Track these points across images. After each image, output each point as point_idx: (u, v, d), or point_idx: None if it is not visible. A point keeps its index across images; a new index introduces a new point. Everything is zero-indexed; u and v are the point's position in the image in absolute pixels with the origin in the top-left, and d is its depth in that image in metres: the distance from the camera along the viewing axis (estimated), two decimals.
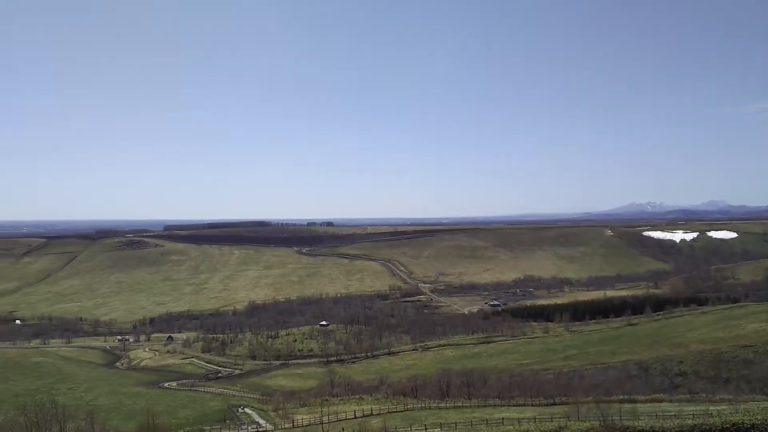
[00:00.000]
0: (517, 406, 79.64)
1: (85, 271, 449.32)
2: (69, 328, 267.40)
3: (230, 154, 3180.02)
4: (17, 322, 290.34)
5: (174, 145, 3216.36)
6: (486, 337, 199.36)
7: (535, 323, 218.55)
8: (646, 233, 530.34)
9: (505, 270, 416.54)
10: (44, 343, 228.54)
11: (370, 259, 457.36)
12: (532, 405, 79.39)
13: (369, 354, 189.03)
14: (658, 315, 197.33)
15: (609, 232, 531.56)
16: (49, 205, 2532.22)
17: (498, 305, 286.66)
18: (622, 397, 76.03)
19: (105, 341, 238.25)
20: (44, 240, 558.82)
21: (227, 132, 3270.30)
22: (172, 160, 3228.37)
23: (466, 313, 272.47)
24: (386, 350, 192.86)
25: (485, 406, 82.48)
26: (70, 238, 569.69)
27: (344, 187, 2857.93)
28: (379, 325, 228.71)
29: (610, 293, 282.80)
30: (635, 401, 70.41)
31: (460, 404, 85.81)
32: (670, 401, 73.15)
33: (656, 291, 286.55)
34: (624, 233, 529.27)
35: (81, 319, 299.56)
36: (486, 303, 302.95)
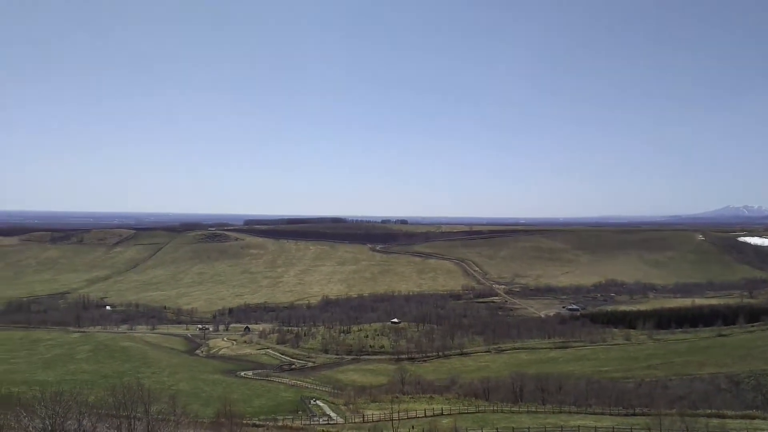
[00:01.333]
0: (595, 414, 76.70)
1: (170, 262, 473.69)
2: (154, 315, 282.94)
3: (307, 153, 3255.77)
4: (107, 308, 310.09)
5: (256, 145, 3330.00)
6: (563, 341, 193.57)
7: (615, 330, 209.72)
8: (741, 239, 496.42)
9: (584, 273, 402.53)
10: (131, 329, 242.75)
11: (443, 258, 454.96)
12: (611, 414, 76.17)
13: (440, 353, 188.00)
14: (753, 326, 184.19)
15: (700, 237, 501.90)
16: (139, 198, 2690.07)
17: (576, 309, 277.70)
18: (709, 411, 71.50)
19: (186, 329, 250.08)
20: (133, 231, 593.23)
21: (306, 133, 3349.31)
22: (253, 159, 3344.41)
23: (543, 316, 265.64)
24: (458, 350, 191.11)
25: (560, 412, 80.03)
26: (157, 230, 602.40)
27: (419, 186, 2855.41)
28: (451, 325, 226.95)
29: (699, 301, 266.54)
30: (724, 416, 65.94)
31: (533, 409, 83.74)
32: (764, 419, 68.01)
33: (751, 300, 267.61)
34: (717, 238, 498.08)
35: (165, 307, 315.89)
36: (564, 307, 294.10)
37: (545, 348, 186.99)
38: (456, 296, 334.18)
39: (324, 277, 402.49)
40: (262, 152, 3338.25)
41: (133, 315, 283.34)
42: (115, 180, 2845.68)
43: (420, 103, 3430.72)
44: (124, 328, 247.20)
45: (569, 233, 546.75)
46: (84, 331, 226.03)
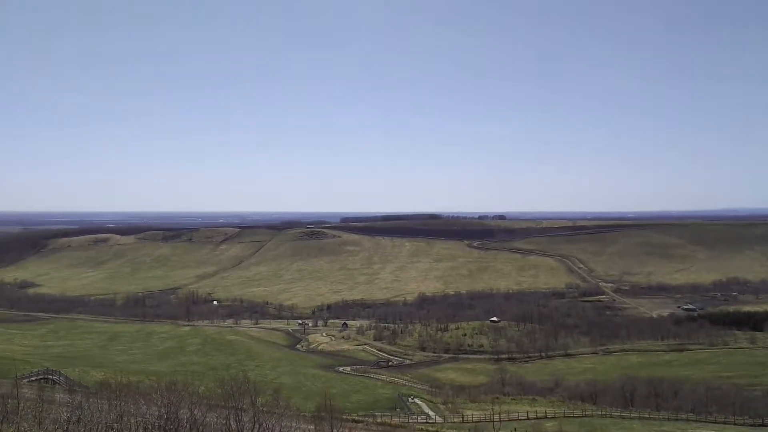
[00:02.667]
0: (716, 423, 71.45)
1: (272, 259, 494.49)
2: (257, 311, 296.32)
3: (402, 149, 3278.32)
4: (214, 302, 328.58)
5: (353, 144, 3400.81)
6: (678, 344, 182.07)
7: (738, 332, 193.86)
8: None
9: (701, 271, 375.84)
10: (236, 323, 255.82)
11: (544, 255, 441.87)
12: (735, 424, 70.68)
13: (543, 354, 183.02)
14: None
15: None
16: (243, 198, 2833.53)
17: (693, 310, 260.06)
18: None
19: (287, 324, 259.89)
20: (238, 230, 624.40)
21: (402, 129, 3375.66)
22: (350, 157, 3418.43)
23: (655, 316, 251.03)
24: (562, 351, 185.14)
25: (676, 419, 75.24)
26: (260, 228, 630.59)
27: (517, 179, 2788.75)
28: (554, 325, 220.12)
29: None
30: None
31: (646, 415, 79.28)
32: None
33: None
34: None
35: (267, 302, 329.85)
36: (679, 307, 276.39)
37: (658, 350, 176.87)
38: (559, 294, 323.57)
39: (420, 274, 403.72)
40: (358, 151, 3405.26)
41: (238, 310, 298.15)
42: (221, 182, 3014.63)
43: (518, 94, 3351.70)
44: (229, 322, 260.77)
45: (684, 227, 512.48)
46: (193, 325, 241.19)
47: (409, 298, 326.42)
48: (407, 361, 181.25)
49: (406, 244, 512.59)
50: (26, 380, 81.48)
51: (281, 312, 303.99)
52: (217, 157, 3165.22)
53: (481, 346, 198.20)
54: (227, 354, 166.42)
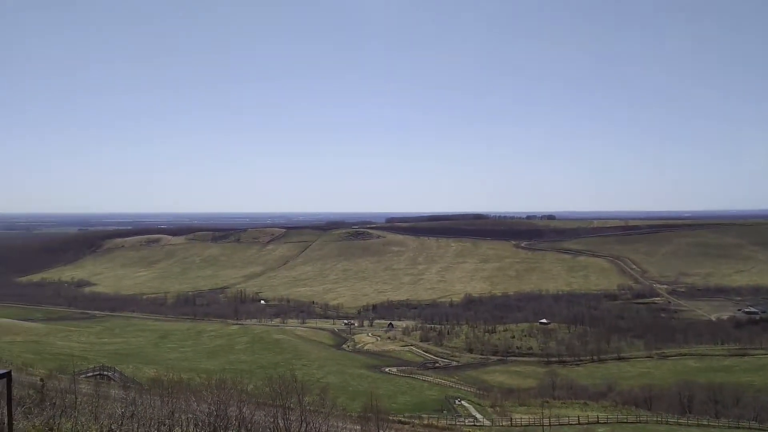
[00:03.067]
0: None
1: (317, 259, 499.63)
2: (303, 310, 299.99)
3: (447, 149, 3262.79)
4: (262, 302, 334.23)
5: (397, 145, 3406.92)
6: (739, 348, 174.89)
7: None
8: None
9: (763, 272, 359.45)
10: (283, 322, 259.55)
11: (595, 256, 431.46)
12: None
13: (594, 357, 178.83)
14: None
15: None
16: (289, 199, 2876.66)
17: (755, 313, 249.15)
18: None
19: (333, 324, 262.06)
20: (284, 230, 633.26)
21: (448, 130, 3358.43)
22: (396, 157, 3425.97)
23: (714, 319, 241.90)
24: (614, 355, 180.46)
25: (738, 428, 72.25)
26: (306, 229, 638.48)
27: (567, 178, 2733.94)
28: (606, 327, 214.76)
29: None
30: None
31: (705, 423, 76.42)
32: None
33: None
34: None
35: (313, 302, 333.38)
36: (739, 309, 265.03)
37: (718, 355, 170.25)
38: (611, 296, 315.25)
39: (466, 275, 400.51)
40: (403, 151, 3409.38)
41: (285, 309, 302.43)
42: (268, 183, 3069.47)
43: (567, 94, 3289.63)
44: (276, 321, 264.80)
45: (744, 227, 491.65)
46: (241, 324, 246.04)
47: (456, 299, 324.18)
48: (454, 363, 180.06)
49: (452, 244, 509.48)
50: (83, 376, 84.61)
51: (327, 312, 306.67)
52: (264, 159, 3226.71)
53: (530, 348, 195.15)
54: (275, 353, 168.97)
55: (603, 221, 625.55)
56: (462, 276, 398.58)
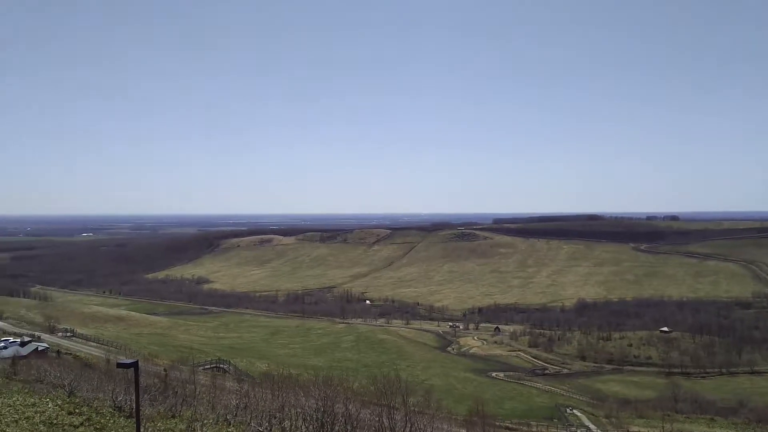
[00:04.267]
0: None
1: (422, 260, 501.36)
2: (407, 311, 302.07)
3: (557, 147, 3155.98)
4: (367, 302, 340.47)
5: (502, 145, 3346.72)
6: None
7: None
8: None
9: None
10: (388, 323, 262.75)
11: (726, 260, 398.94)
12: None
13: (723, 370, 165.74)
14: None
15: None
16: (395, 200, 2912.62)
17: None
18: None
19: (438, 326, 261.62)
20: (389, 231, 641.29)
21: (556, 127, 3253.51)
22: (503, 156, 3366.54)
23: None
24: (747, 368, 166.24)
25: None
26: (410, 230, 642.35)
27: (692, 175, 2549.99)
28: (738, 338, 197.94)
29: None
30: None
31: None
32: None
33: None
34: None
35: (418, 303, 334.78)
36: None
37: None
38: (744, 304, 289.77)
39: (579, 279, 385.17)
40: (510, 151, 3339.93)
41: (389, 309, 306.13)
42: (374, 184, 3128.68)
43: (683, 95, 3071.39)
44: (381, 321, 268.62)
45: None
46: (348, 323, 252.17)
47: (567, 303, 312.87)
48: (565, 370, 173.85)
49: (564, 246, 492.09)
50: (201, 368, 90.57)
51: (431, 313, 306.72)
52: (370, 161, 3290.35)
53: (649, 357, 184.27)
54: (379, 352, 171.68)
55: (735, 222, 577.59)
56: (575, 280, 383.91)
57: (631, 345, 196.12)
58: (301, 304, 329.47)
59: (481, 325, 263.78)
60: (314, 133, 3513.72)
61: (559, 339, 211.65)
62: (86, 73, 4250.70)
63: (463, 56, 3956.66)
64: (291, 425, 35.95)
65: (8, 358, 65.87)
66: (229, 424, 33.07)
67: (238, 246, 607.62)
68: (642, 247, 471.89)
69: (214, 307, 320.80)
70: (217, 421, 33.57)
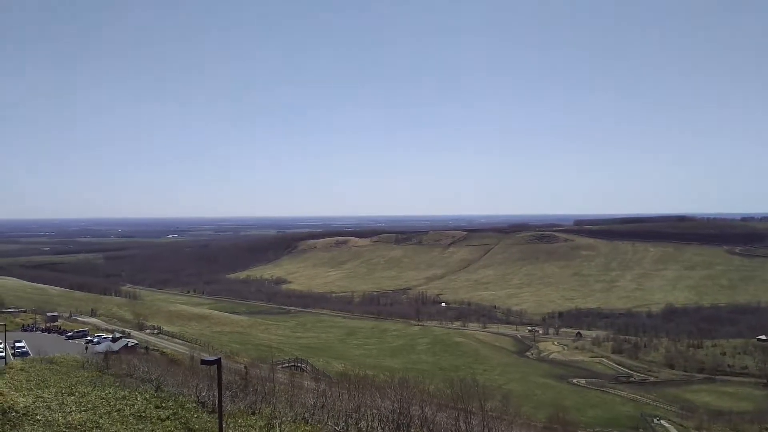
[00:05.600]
0: None
1: (499, 263, 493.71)
2: (484, 314, 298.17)
3: (644, 144, 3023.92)
4: (443, 304, 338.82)
5: (584, 143, 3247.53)
6: None
7: None
8: None
9: None
10: (464, 326, 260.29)
11: None
12: None
13: None
14: None
15: None
16: (470, 201, 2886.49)
17: None
18: None
19: (516, 330, 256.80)
20: (465, 233, 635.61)
21: (647, 120, 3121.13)
22: (584, 154, 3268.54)
23: None
24: None
25: None
26: (487, 232, 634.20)
27: None
28: None
29: None
30: None
31: None
32: None
33: None
34: None
35: (495, 306, 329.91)
36: None
37: None
38: None
39: (667, 283, 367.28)
40: (591, 150, 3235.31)
41: (466, 312, 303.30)
42: (449, 186, 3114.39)
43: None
44: (457, 324, 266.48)
45: None
46: (423, 325, 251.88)
47: (654, 309, 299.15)
48: (651, 378, 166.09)
49: (650, 249, 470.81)
50: (280, 366, 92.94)
51: (509, 317, 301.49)
52: (444, 161, 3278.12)
53: (745, 367, 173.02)
54: (455, 355, 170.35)
55: None
56: (662, 284, 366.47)
57: (724, 353, 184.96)
58: (376, 305, 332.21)
59: (562, 329, 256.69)
60: (392, 137, 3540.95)
61: (645, 346, 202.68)
62: (189, 81, 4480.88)
63: (546, 59, 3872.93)
64: (367, 426, 36.26)
65: (101, 352, 70.16)
66: (307, 423, 33.73)
67: (315, 247, 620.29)
68: (737, 250, 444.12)
69: (291, 307, 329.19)
70: (295, 419, 34.32)
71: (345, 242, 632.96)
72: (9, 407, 33.62)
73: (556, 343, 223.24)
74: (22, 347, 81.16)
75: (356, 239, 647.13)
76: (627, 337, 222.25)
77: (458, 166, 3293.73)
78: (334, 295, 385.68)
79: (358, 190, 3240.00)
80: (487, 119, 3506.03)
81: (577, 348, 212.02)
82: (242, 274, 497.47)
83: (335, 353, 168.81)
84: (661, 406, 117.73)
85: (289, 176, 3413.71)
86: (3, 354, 74.61)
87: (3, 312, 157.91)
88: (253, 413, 34.70)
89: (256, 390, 41.85)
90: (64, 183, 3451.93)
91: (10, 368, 52.74)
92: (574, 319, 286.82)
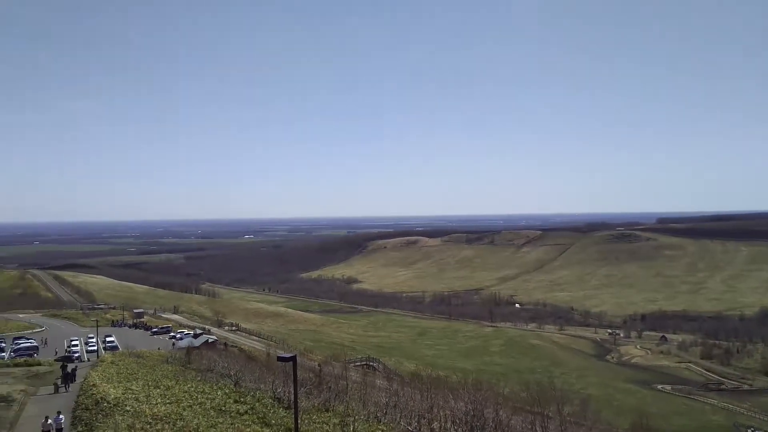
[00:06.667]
0: None
1: (576, 263, 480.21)
2: (561, 316, 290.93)
3: (729, 139, 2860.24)
4: (517, 305, 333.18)
5: (669, 136, 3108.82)
6: None
7: None
8: None
9: None
10: (539, 328, 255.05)
11: None
12: None
13: None
14: None
15: None
16: (545, 199, 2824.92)
17: None
18: None
19: (595, 333, 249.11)
20: (540, 232, 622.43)
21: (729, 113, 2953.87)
22: (665, 148, 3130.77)
23: None
24: None
25: None
26: (563, 231, 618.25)
27: None
28: None
29: None
30: None
31: None
32: None
33: None
34: None
35: (572, 308, 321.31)
36: None
37: None
38: None
39: (762, 285, 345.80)
40: (673, 145, 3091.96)
41: (541, 314, 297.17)
42: (523, 182, 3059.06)
43: None
44: (532, 326, 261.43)
45: None
46: (495, 326, 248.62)
47: (748, 312, 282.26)
48: (746, 387, 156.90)
49: (742, 248, 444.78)
50: (352, 364, 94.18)
51: (587, 319, 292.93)
52: (515, 160, 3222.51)
53: None
54: (530, 358, 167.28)
55: None
56: (757, 286, 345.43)
57: None
58: (447, 305, 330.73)
59: (644, 333, 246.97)
60: (463, 135, 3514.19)
61: (738, 351, 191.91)
62: (276, 83, 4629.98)
63: (632, 43, 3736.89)
64: (440, 427, 36.23)
65: (183, 348, 73.57)
66: (380, 422, 34.09)
67: (385, 247, 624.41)
68: None
69: (363, 306, 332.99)
70: (368, 417, 34.76)
71: (415, 242, 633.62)
72: (102, 398, 36.01)
73: (638, 346, 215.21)
74: (112, 342, 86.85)
75: (426, 239, 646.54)
76: (717, 341, 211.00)
77: (533, 164, 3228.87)
78: (404, 295, 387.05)
79: (430, 190, 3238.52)
80: (565, 114, 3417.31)
81: (661, 352, 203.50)
82: (314, 274, 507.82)
83: (407, 353, 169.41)
84: (757, 416, 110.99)
85: (360, 177, 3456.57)
86: (95, 348, 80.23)
87: (95, 309, 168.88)
88: (327, 410, 35.42)
89: (330, 387, 42.66)
90: (152, 187, 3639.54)
91: (102, 361, 56.53)
92: (658, 322, 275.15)
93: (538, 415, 42.24)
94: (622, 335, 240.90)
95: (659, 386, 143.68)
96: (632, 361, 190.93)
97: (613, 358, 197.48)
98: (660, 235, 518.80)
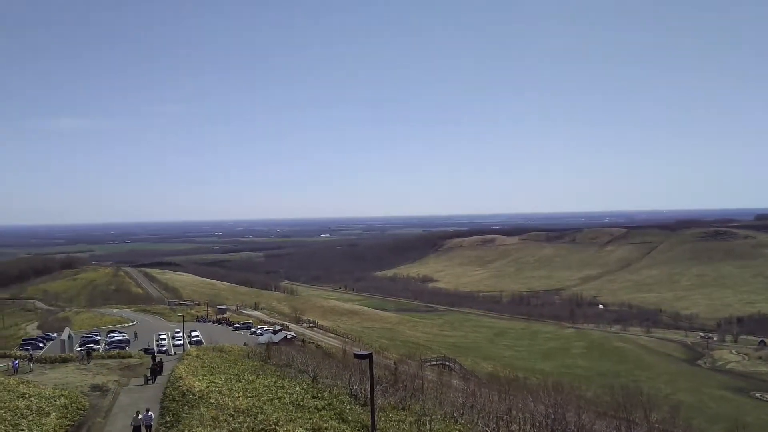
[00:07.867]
0: None
1: (664, 262, 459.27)
2: (648, 318, 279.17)
3: None
4: (600, 306, 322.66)
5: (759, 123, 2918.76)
6: None
7: None
8: None
9: None
10: (624, 330, 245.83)
11: None
12: None
13: None
14: None
15: None
16: (629, 196, 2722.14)
17: None
18: None
19: (685, 336, 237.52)
20: (625, 230, 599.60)
21: None
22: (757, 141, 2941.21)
23: None
24: None
25: None
26: (650, 228, 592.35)
27: None
28: None
29: None
30: None
31: None
32: None
33: None
34: None
35: (660, 310, 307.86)
36: None
37: None
38: None
39: None
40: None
41: (626, 315, 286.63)
42: (605, 179, 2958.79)
43: None
44: (616, 328, 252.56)
45: None
46: (577, 327, 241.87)
47: None
48: None
49: None
50: (428, 363, 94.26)
51: (677, 322, 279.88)
52: (599, 154, 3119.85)
53: None
54: (614, 361, 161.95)
55: None
56: None
57: None
58: (525, 305, 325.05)
59: (741, 337, 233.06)
60: (544, 130, 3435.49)
61: None
62: (342, 84, 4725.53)
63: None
64: (519, 429, 35.70)
65: (263, 343, 76.06)
66: (456, 422, 33.96)
67: (461, 246, 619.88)
68: None
69: (438, 306, 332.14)
70: (445, 417, 34.71)
71: (492, 240, 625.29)
72: (188, 390, 37.85)
73: (734, 351, 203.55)
74: (197, 336, 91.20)
75: (503, 237, 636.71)
76: None
77: (617, 160, 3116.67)
78: (481, 294, 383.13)
79: (508, 187, 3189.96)
80: (651, 104, 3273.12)
81: (760, 358, 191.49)
82: (389, 272, 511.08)
83: (483, 353, 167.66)
84: None
85: (435, 175, 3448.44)
86: (182, 342, 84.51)
87: (181, 304, 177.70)
88: (403, 409, 35.63)
89: (405, 386, 42.87)
90: (233, 188, 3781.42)
91: (187, 355, 59.44)
92: (757, 325, 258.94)
93: (624, 421, 40.85)
94: (715, 339, 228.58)
95: (758, 394, 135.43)
96: (727, 366, 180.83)
97: (705, 363, 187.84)
98: (759, 233, 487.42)
